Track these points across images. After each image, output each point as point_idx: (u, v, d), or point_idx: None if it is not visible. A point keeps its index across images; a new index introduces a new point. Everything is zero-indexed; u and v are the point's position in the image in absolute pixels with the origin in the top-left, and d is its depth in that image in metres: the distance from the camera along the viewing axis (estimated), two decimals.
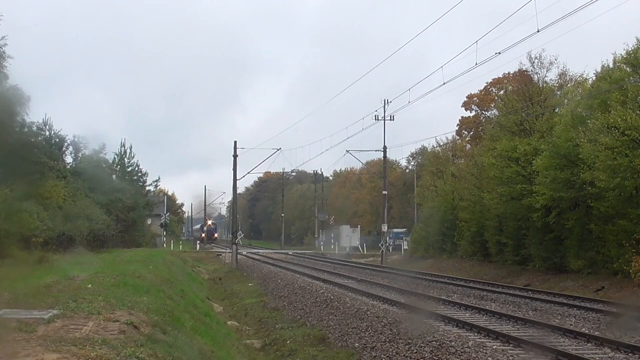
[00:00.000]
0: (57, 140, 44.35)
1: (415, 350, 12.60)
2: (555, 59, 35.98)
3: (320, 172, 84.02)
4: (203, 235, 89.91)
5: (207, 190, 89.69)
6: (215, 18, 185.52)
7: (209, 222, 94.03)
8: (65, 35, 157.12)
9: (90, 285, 14.58)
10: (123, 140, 57.52)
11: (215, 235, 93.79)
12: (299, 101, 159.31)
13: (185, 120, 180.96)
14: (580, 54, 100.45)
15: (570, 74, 36.44)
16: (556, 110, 33.66)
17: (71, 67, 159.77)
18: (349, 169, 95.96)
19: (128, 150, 57.28)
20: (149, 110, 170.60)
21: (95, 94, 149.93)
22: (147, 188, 62.67)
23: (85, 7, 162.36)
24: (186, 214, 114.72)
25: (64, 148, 46.05)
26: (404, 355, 12.53)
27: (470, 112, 55.52)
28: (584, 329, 14.70)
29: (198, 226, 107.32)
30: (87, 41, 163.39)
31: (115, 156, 56.04)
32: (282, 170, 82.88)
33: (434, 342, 12.81)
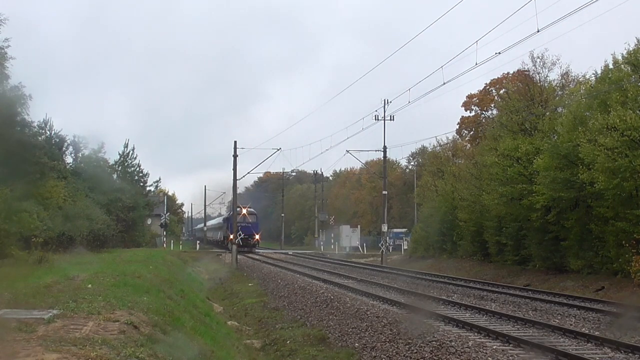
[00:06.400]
0: (57, 140, 44.46)
1: (415, 350, 12.60)
2: (558, 59, 36.15)
3: (320, 172, 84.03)
4: (232, 237, 50.31)
5: (212, 191, 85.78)
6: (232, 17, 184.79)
7: (244, 210, 56.94)
8: (81, 33, 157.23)
9: (90, 285, 14.58)
10: (127, 141, 58.15)
11: (257, 236, 58.54)
12: (325, 99, 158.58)
13: (200, 119, 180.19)
14: (580, 54, 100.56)
15: (573, 74, 36.57)
16: (559, 110, 33.70)
17: (89, 64, 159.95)
18: (349, 169, 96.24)
19: (131, 152, 57.80)
20: (165, 109, 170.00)
21: (112, 91, 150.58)
22: (148, 188, 62.95)
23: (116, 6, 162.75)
24: (186, 214, 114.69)
25: (64, 148, 46.17)
26: (404, 355, 12.54)
27: (470, 112, 55.59)
28: (584, 329, 14.69)
29: (215, 222, 77.99)
30: (104, 39, 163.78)
31: (119, 155, 56.53)
32: (282, 170, 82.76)
33: (434, 342, 12.81)
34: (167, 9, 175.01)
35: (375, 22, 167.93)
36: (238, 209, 53.71)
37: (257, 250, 58.39)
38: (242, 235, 52.29)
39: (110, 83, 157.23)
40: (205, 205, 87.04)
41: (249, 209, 58.54)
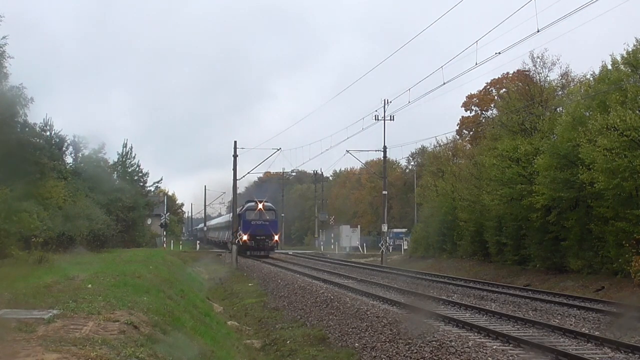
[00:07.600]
0: (57, 140, 44.51)
1: (415, 350, 12.59)
2: (558, 59, 36.22)
3: (320, 172, 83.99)
4: (245, 237, 46.53)
5: (213, 191, 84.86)
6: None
7: (260, 205, 48.28)
8: (83, 32, 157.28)
9: (90, 285, 14.59)
10: (125, 141, 58.25)
11: (275, 237, 49.79)
12: (332, 98, 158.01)
13: (202, 119, 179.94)
14: (580, 54, 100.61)
15: (573, 74, 36.65)
16: (559, 110, 33.73)
17: (91, 63, 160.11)
18: (349, 169, 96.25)
19: (129, 151, 57.89)
20: (168, 109, 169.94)
21: (115, 91, 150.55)
22: (148, 188, 63.02)
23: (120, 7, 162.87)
24: (186, 214, 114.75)
25: (64, 148, 46.23)
26: (404, 355, 12.53)
27: (470, 112, 55.63)
28: (584, 329, 14.69)
29: (222, 219, 70.39)
30: (108, 37, 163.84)
31: (118, 155, 56.62)
32: (282, 170, 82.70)
33: (434, 342, 12.81)
34: (170, 8, 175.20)
35: (376, 22, 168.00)
36: (253, 204, 49.35)
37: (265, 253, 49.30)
38: (241, 235, 46.40)
39: (112, 82, 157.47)
40: (205, 205, 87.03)
41: (265, 204, 48.87)
